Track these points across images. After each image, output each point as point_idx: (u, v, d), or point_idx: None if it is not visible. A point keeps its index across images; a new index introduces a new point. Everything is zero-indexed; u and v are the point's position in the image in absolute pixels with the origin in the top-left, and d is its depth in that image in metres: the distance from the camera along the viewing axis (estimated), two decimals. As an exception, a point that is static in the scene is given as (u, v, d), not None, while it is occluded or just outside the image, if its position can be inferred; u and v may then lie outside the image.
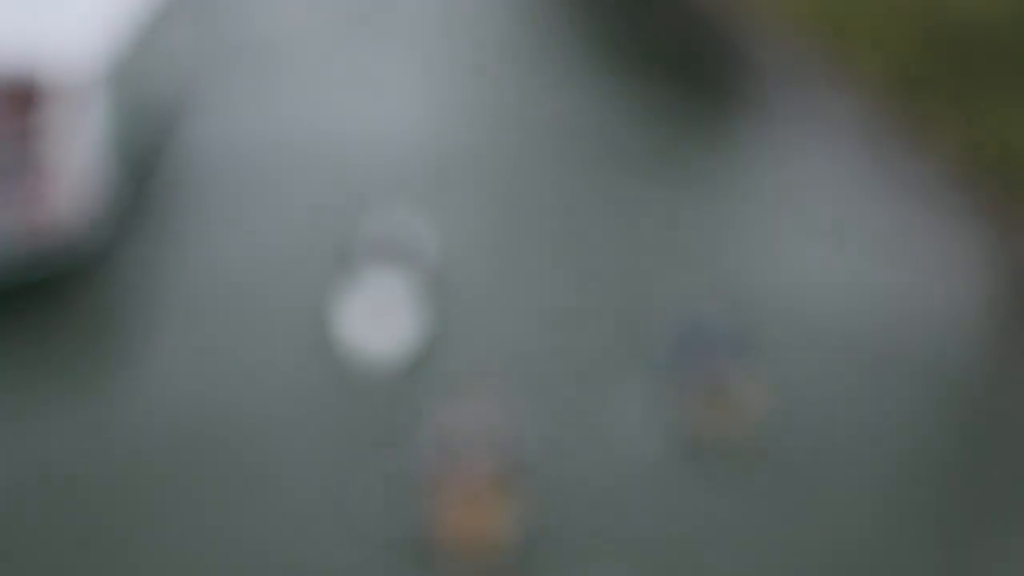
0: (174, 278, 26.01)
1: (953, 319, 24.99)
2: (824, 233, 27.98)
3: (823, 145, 35.59)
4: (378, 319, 19.10)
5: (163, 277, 26.25)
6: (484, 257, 22.95)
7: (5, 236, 25.01)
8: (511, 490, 14.65)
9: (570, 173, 30.21)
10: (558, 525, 15.02)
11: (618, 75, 39.00)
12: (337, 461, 16.90)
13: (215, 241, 27.40)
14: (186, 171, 30.51)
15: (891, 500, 17.24)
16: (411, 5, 44.85)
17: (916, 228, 30.75)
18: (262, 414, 18.88)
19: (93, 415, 20.49)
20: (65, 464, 18.82)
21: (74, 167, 25.66)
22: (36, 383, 21.35)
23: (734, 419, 16.01)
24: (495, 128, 32.35)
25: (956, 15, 39.91)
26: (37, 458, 18.96)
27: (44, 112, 26.01)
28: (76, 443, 19.48)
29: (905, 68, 38.69)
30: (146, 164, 30.52)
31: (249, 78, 36.49)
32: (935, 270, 27.69)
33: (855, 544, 15.91)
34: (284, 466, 17.28)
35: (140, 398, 20.89)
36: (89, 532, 17.27)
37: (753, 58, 42.37)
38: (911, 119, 36.71)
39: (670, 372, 16.56)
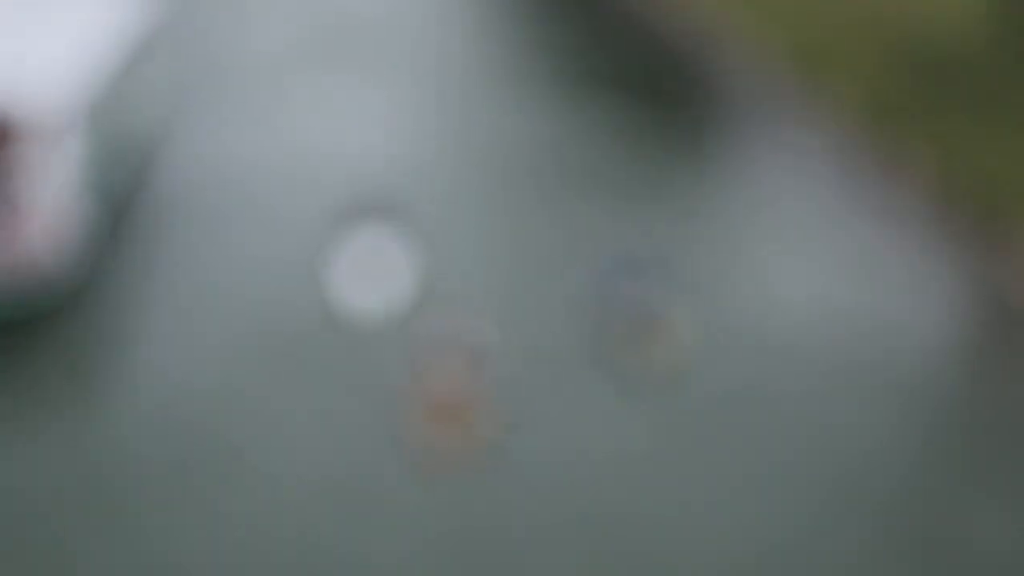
0: (157, 304, 25.58)
1: (919, 334, 25.01)
2: (793, 250, 28.30)
3: (795, 166, 34.25)
4: (365, 281, 21.99)
5: (146, 306, 25.88)
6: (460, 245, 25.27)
7: None
8: (479, 400, 17.30)
9: (537, 193, 28.01)
10: (511, 434, 17.63)
11: (591, 100, 37.33)
12: (337, 390, 19.62)
13: (195, 269, 26.81)
14: (165, 200, 29.75)
15: (799, 419, 19.69)
16: (380, 34, 43.61)
17: (888, 248, 29.83)
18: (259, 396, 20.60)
19: (77, 435, 20.78)
20: (49, 479, 19.64)
21: (50, 205, 25.20)
22: (18, 413, 21.51)
23: (659, 346, 17.46)
24: (462, 149, 32.43)
25: (929, 40, 39.22)
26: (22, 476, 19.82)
27: (20, 150, 25.49)
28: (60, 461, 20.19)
29: (878, 93, 38.28)
30: (125, 197, 29.79)
31: (226, 105, 35.63)
32: (906, 289, 27.43)
33: (764, 466, 18.34)
34: (288, 402, 20.04)
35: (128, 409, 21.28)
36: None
37: (726, 82, 40.45)
38: (885, 143, 36.11)
39: (602, 304, 18.16)
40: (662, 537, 15.57)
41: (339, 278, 22.41)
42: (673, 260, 21.57)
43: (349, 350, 20.32)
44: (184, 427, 19.69)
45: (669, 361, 17.66)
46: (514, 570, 14.81)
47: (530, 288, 20.88)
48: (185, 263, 26.91)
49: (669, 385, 17.70)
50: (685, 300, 19.65)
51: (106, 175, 29.21)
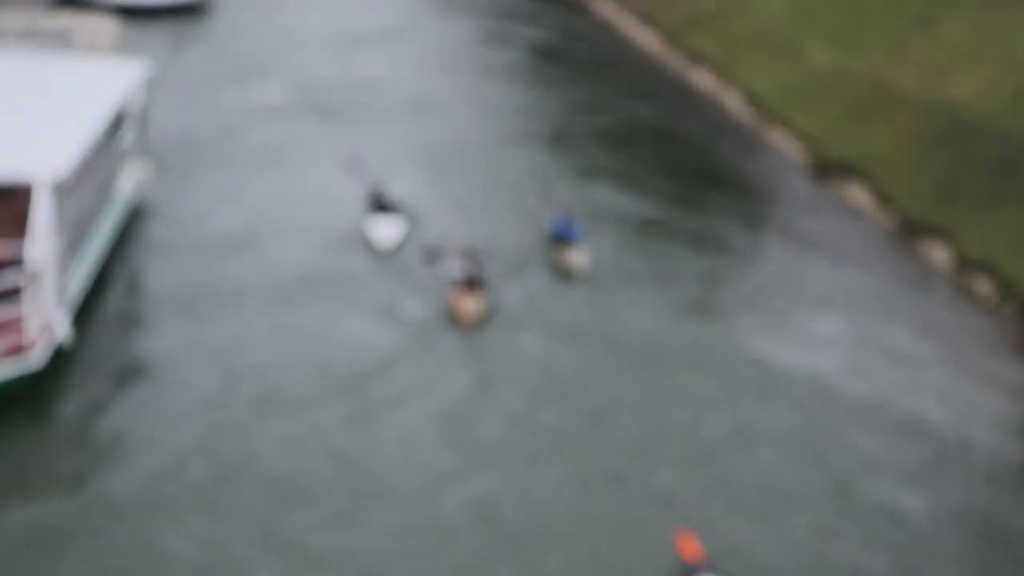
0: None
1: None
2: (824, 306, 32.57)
3: (834, 234, 36.54)
4: (385, 227, 33.32)
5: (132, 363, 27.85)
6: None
7: None
8: (482, 287, 29.44)
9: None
10: (501, 308, 29.68)
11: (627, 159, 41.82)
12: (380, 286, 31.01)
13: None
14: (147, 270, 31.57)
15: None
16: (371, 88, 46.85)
17: (923, 321, 31.60)
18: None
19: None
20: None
21: (46, 274, 25.93)
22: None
23: (575, 262, 32.02)
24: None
25: (973, 121, 38.87)
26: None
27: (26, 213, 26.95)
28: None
29: (923, 176, 37.95)
30: (104, 264, 30.79)
31: (207, 174, 37.53)
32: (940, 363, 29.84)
33: (648, 328, 30.21)
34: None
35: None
36: None
37: (763, 149, 43.20)
38: (926, 223, 36.20)
39: (551, 239, 32.78)
40: (606, 335, 29.28)
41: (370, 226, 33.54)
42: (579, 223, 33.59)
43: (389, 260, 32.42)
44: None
45: (580, 268, 32.05)
46: (515, 372, 27.24)
47: (510, 220, 35.28)
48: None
49: (583, 279, 31.84)
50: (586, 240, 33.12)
51: (86, 240, 29.90)
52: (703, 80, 48.95)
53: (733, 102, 46.47)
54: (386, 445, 24.59)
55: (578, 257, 32.00)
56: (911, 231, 36.00)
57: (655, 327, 30.09)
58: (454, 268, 29.42)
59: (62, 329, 26.31)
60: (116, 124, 32.55)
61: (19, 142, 27.93)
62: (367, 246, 32.98)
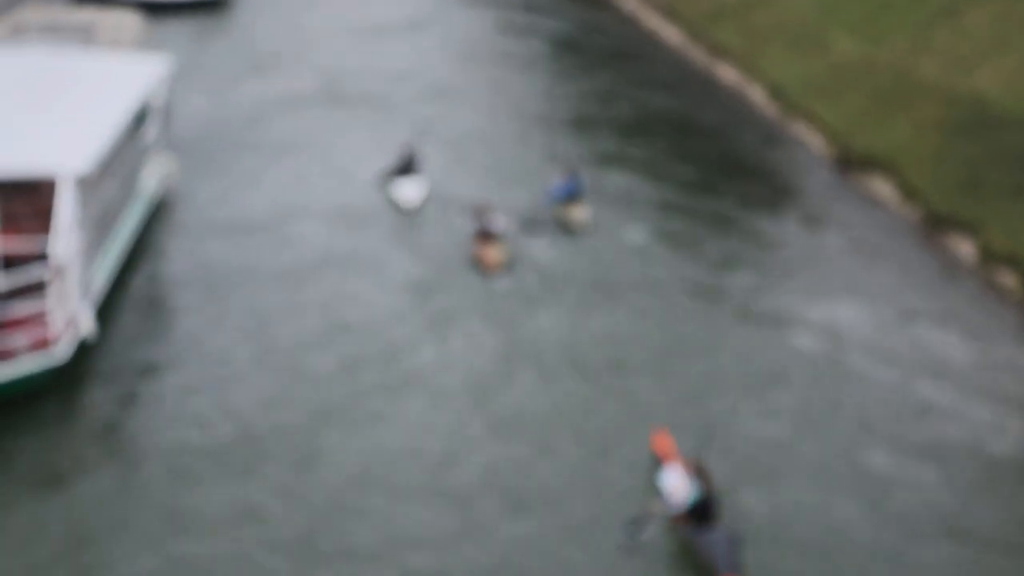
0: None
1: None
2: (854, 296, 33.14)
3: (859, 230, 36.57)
4: (409, 185, 36.37)
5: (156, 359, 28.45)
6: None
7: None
8: (503, 238, 33.10)
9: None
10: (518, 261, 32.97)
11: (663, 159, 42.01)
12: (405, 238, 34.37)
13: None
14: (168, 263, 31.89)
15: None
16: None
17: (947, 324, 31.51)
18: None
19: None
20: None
21: (69, 271, 26.25)
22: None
23: (575, 219, 35.09)
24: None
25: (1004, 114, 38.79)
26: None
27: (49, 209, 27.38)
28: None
29: (950, 172, 37.82)
30: (128, 259, 31.15)
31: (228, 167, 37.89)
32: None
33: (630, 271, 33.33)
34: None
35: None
36: None
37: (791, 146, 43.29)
38: (950, 216, 36.13)
39: (554, 196, 35.57)
40: (592, 277, 33.02)
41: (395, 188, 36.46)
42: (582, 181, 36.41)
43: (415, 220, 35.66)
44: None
45: (581, 224, 35.10)
46: (530, 313, 30.55)
47: (517, 184, 38.12)
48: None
49: (581, 234, 34.93)
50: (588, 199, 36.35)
51: (110, 235, 30.16)
52: (727, 73, 48.99)
53: (757, 95, 46.52)
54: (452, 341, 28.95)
55: (579, 212, 35.24)
56: (935, 224, 36.02)
57: (668, 319, 30.57)
58: (478, 222, 33.25)
59: (86, 323, 26.55)
60: (139, 119, 32.82)
61: (43, 137, 28.19)
62: (393, 205, 36.03)
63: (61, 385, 25.76)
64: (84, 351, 26.71)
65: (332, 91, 44.93)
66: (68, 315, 25.97)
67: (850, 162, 40.28)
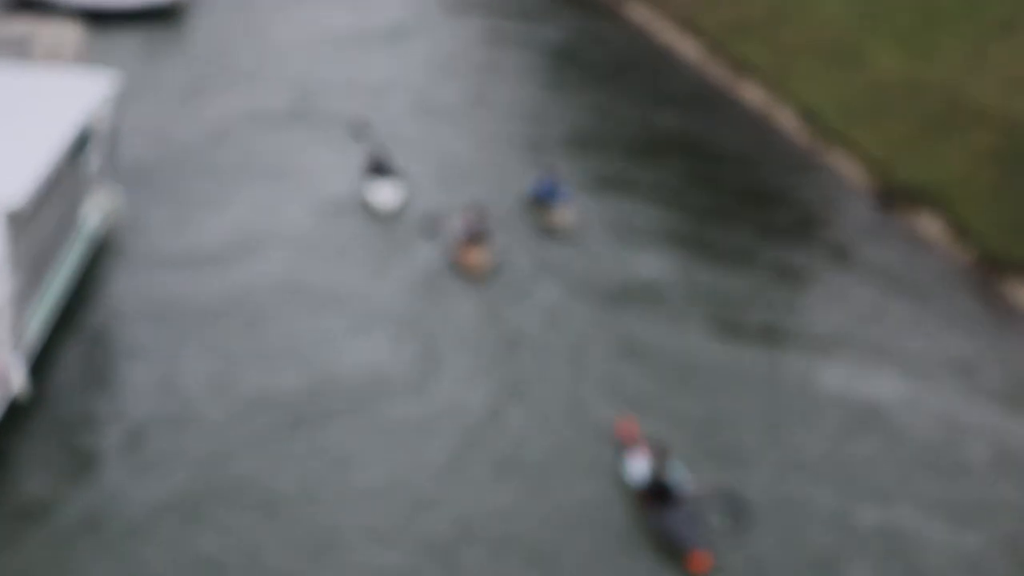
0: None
1: None
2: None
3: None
4: (383, 189, 38.16)
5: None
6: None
7: None
8: (486, 241, 35.18)
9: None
10: (507, 261, 35.55)
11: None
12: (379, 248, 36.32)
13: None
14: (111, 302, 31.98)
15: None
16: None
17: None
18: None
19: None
20: None
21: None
22: None
23: (559, 220, 37.54)
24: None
25: None
26: None
27: None
28: None
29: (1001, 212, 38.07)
30: (67, 305, 31.03)
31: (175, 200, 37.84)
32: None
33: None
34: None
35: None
36: None
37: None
38: (1008, 258, 36.38)
39: (534, 199, 38.52)
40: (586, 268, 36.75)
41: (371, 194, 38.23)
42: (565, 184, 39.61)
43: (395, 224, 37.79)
44: None
45: (564, 226, 37.52)
46: (513, 315, 33.01)
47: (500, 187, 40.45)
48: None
49: (562, 237, 37.34)
50: (575, 201, 38.74)
51: (46, 275, 30.12)
52: (752, 93, 49.07)
53: (786, 118, 46.58)
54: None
55: (562, 216, 37.61)
56: (991, 267, 36.05)
57: (689, 346, 30.48)
58: (458, 226, 35.56)
59: (18, 380, 26.40)
60: (80, 144, 32.71)
61: None
62: (366, 211, 37.83)
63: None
64: (15, 412, 26.52)
65: (301, 108, 44.98)
66: (-3, 371, 25.87)
67: (893, 195, 40.31)
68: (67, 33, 39.19)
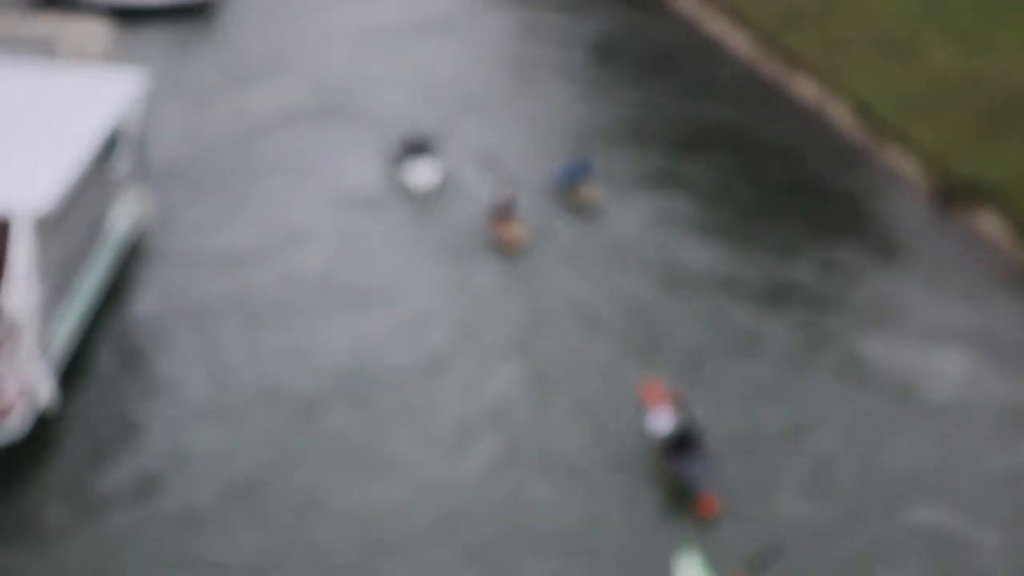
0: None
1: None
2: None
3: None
4: (422, 170, 39.32)
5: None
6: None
7: None
8: (518, 215, 37.17)
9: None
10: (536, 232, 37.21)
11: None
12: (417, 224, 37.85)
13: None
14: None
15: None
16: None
17: None
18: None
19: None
20: None
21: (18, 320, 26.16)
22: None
23: (586, 200, 39.09)
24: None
25: None
26: None
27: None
28: None
29: None
30: (97, 314, 31.03)
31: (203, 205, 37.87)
32: None
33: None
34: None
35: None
36: None
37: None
38: None
39: (561, 179, 39.71)
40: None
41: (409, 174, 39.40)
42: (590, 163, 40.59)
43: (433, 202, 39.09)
44: None
45: (593, 204, 38.90)
46: (543, 285, 34.64)
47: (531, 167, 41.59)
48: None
49: (592, 214, 38.72)
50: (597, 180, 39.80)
51: (73, 281, 30.03)
52: (804, 87, 48.69)
53: (840, 112, 46.18)
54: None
55: (591, 193, 39.33)
56: (1057, 269, 35.74)
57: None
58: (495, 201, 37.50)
59: (45, 391, 26.29)
60: (109, 147, 32.57)
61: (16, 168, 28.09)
62: (403, 191, 39.20)
63: (12, 467, 25.44)
64: (43, 425, 26.39)
65: (338, 105, 44.88)
66: (23, 382, 25.70)
67: (950, 193, 39.86)
68: (94, 31, 39.05)
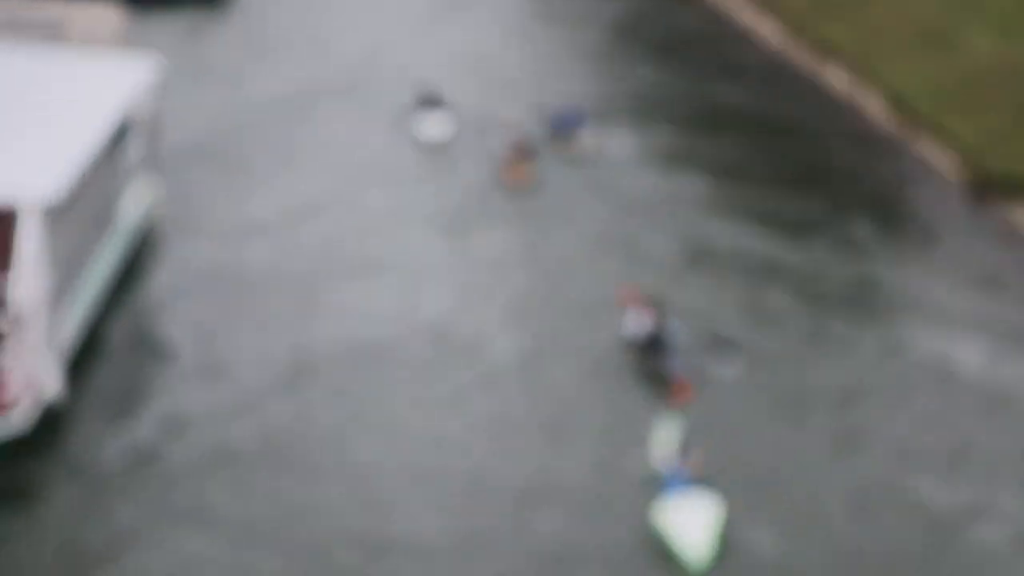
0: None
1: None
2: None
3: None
4: (433, 123, 42.08)
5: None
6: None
7: None
8: (530, 156, 40.18)
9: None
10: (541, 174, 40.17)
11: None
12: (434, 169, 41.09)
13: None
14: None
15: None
16: None
17: None
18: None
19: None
20: None
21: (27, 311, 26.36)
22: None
23: (585, 147, 41.96)
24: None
25: None
26: None
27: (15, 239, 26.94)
28: None
29: None
30: (106, 305, 31.17)
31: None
32: None
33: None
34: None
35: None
36: None
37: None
38: None
39: (556, 131, 42.34)
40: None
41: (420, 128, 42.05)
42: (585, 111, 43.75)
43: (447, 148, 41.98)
44: None
45: (591, 151, 41.86)
46: (552, 221, 37.87)
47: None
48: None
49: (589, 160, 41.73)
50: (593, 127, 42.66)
51: (83, 273, 30.22)
52: (836, 77, 48.86)
53: (873, 104, 46.35)
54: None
55: (587, 142, 42.02)
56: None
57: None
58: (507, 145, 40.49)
59: (52, 384, 26.51)
60: (119, 135, 32.83)
61: (1, 159, 28.29)
62: (415, 142, 41.91)
63: (16, 463, 25.65)
64: (49, 419, 26.67)
65: (355, 86, 45.63)
66: (29, 374, 25.95)
67: (986, 186, 40.03)
68: (105, 16, 39.20)
